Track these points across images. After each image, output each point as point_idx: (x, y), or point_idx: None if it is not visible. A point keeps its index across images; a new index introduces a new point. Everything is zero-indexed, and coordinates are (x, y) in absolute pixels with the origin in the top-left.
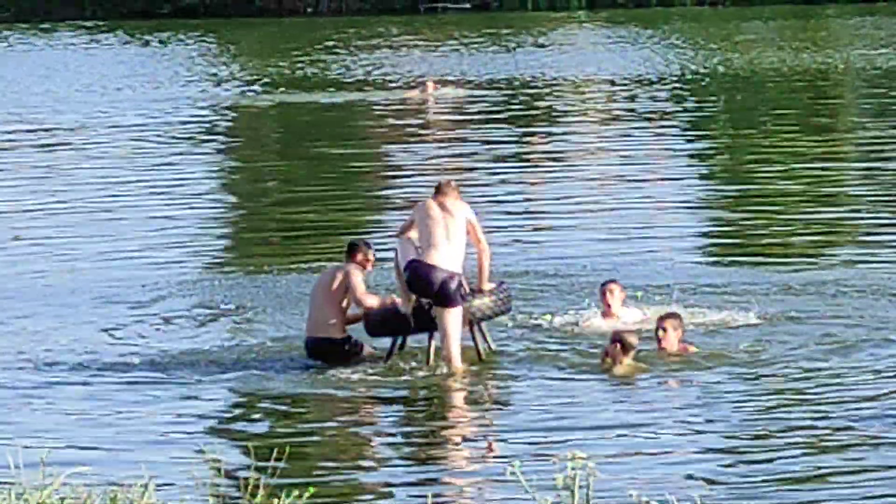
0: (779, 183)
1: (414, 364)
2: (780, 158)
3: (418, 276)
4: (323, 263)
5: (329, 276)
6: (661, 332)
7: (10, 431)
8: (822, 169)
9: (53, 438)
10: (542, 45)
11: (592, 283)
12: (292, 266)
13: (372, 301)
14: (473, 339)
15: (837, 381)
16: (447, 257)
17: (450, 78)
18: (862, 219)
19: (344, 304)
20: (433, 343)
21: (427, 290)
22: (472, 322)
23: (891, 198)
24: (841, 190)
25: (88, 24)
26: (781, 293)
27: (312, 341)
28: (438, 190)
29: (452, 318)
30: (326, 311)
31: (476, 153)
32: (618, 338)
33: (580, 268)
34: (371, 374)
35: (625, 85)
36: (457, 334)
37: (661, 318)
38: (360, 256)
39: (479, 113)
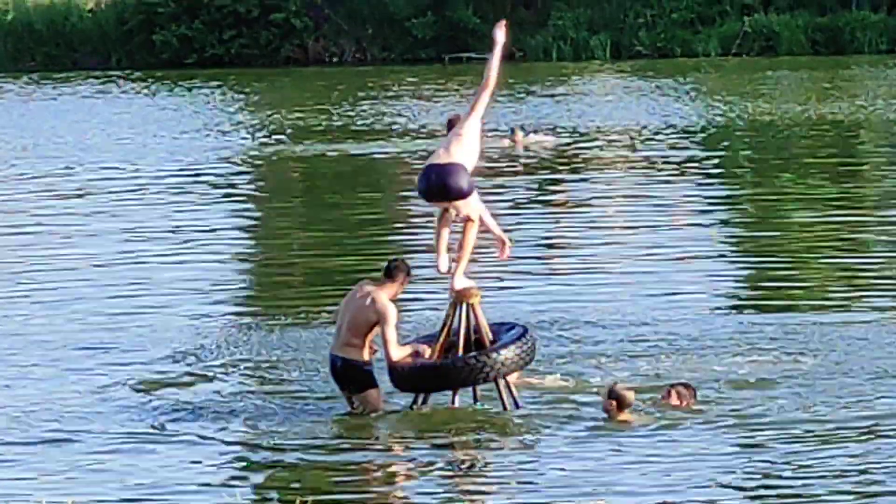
0: (802, 230)
1: (438, 413)
2: (805, 205)
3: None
4: None
5: (362, 301)
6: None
7: (34, 481)
8: (846, 216)
9: (77, 489)
10: (566, 94)
11: (614, 335)
12: (316, 313)
13: (401, 354)
14: (499, 393)
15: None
16: (448, 153)
17: (533, 127)
18: (884, 265)
19: (370, 333)
20: (457, 397)
21: (433, 191)
22: (496, 377)
23: None
24: (863, 237)
25: (114, 73)
26: (802, 341)
27: (334, 358)
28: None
29: (471, 209)
30: (351, 333)
31: (504, 199)
32: (614, 394)
33: (604, 317)
34: (395, 424)
35: (649, 133)
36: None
37: (672, 386)
38: (399, 280)
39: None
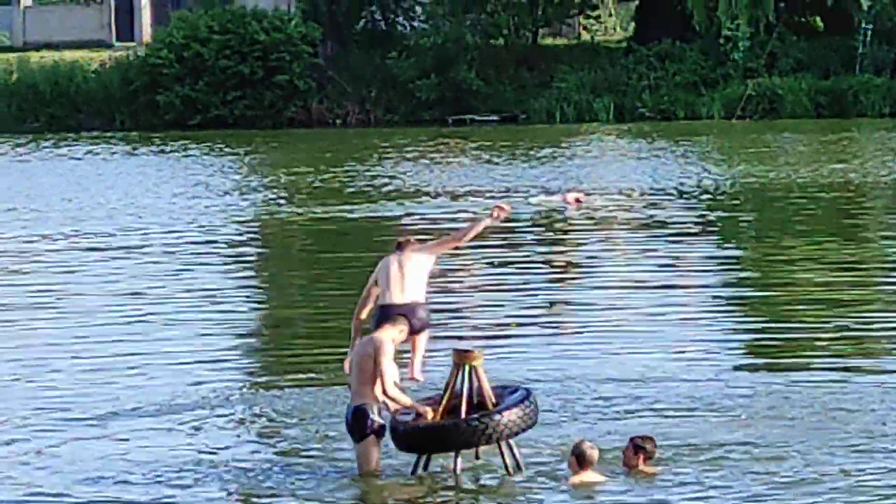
0: (805, 290)
1: (438, 478)
2: (808, 266)
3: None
4: None
5: (362, 345)
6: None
7: None
8: (849, 277)
9: None
10: (572, 157)
11: (616, 396)
12: (319, 374)
13: (397, 391)
14: (501, 454)
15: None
16: (406, 292)
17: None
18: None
19: (372, 372)
20: (459, 461)
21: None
22: (499, 439)
23: None
24: (867, 298)
25: (119, 134)
26: (799, 403)
27: (348, 410)
28: (399, 247)
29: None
30: (359, 380)
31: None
32: (577, 451)
33: (608, 381)
34: (398, 486)
35: (653, 196)
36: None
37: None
38: (401, 326)
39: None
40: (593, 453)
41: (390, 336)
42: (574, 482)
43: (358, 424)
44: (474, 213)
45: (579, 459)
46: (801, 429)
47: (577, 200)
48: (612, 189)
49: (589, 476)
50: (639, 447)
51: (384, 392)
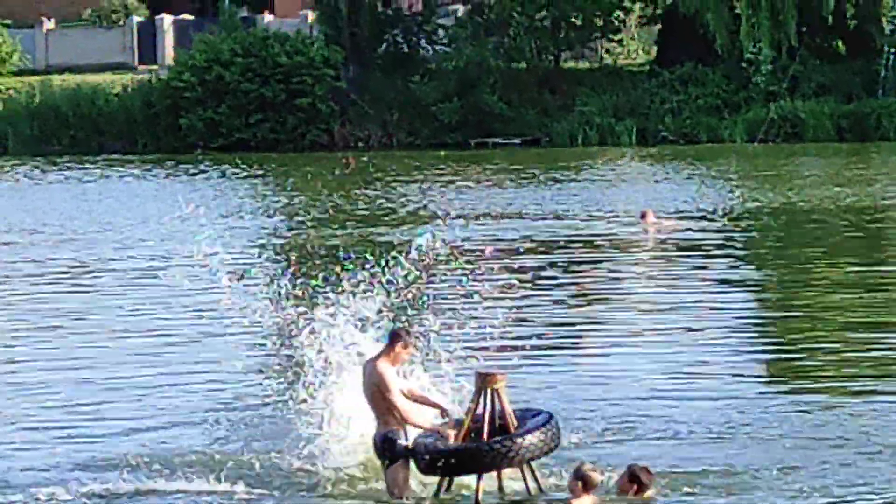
0: (828, 312)
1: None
2: (831, 289)
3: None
4: None
5: (366, 378)
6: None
7: None
8: (872, 300)
9: None
10: (594, 179)
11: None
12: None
13: (414, 414)
14: (523, 477)
15: None
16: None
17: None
18: None
19: (382, 400)
20: (481, 483)
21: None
22: (521, 462)
23: None
24: (891, 318)
25: (141, 156)
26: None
27: (375, 437)
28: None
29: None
30: (376, 411)
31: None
32: (580, 474)
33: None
34: None
35: (677, 217)
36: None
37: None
38: (395, 346)
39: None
40: (596, 476)
41: (392, 360)
42: (582, 501)
43: (386, 450)
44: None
45: (584, 483)
46: (820, 451)
47: (644, 218)
48: (633, 210)
49: (591, 501)
50: (634, 476)
51: (405, 420)
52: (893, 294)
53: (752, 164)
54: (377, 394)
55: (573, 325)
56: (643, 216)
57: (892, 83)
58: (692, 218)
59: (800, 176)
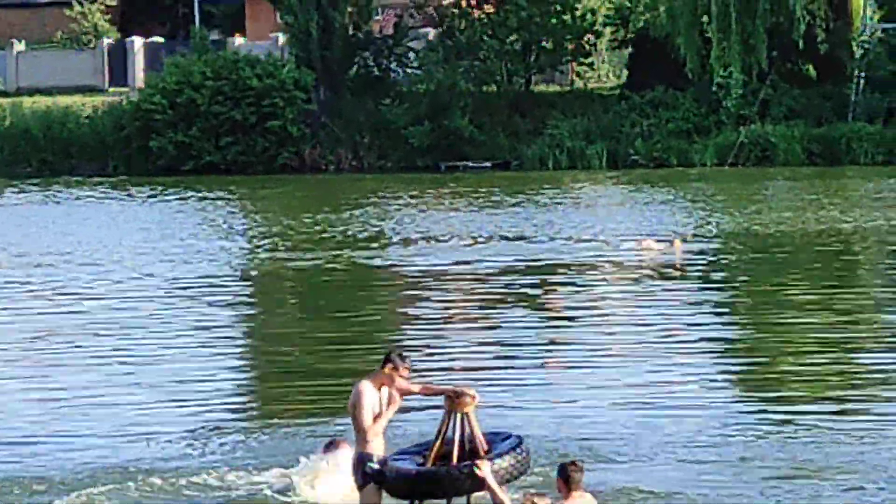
0: (797, 334)
1: None
2: (799, 311)
3: None
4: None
5: (352, 398)
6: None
7: None
8: (839, 321)
9: None
10: (561, 203)
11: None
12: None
13: (369, 420)
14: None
15: None
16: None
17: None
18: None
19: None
20: None
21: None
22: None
23: None
24: (859, 338)
25: (111, 179)
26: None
27: (355, 454)
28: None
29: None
30: (357, 431)
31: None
32: (563, 474)
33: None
34: None
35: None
36: None
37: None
38: (387, 368)
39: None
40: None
41: (380, 382)
42: None
43: (357, 472)
44: (472, 260)
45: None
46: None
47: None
48: (603, 235)
49: (580, 499)
50: (562, 471)
51: (365, 443)
52: (861, 315)
53: (722, 187)
54: (352, 412)
55: (541, 345)
56: (671, 243)
57: (862, 108)
58: (663, 241)
59: (769, 200)
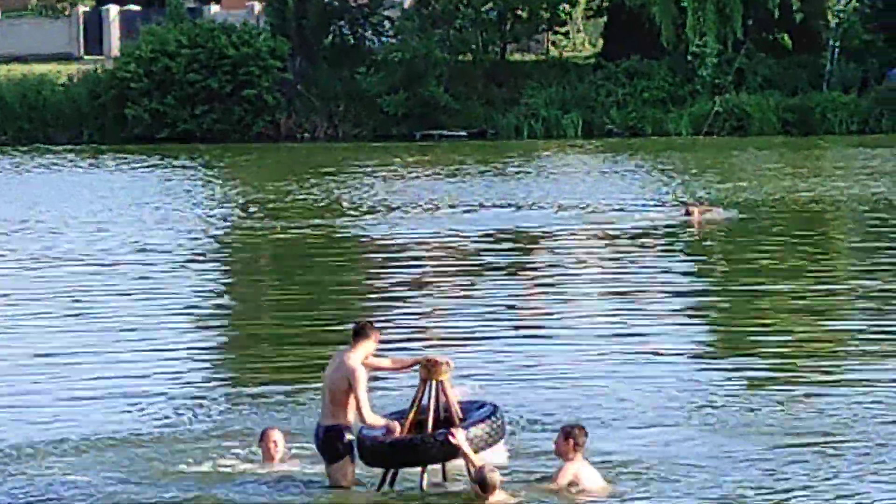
0: (773, 300)
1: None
2: (776, 278)
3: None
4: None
5: (335, 371)
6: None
7: None
8: (815, 288)
9: None
10: (538, 173)
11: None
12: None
13: (373, 417)
14: (468, 470)
15: None
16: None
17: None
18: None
19: (350, 399)
20: (425, 475)
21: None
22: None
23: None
24: (833, 307)
25: (86, 147)
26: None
27: (318, 428)
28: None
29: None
30: (333, 404)
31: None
32: (478, 477)
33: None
34: (364, 501)
35: (622, 211)
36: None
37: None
38: (366, 339)
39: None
40: (493, 476)
41: (363, 355)
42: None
43: (332, 445)
44: (445, 230)
45: (482, 486)
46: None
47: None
48: (579, 204)
49: (501, 498)
50: (569, 434)
51: (362, 420)
52: (836, 283)
53: (697, 157)
54: (343, 388)
55: (518, 313)
56: (688, 212)
57: (837, 77)
58: (638, 210)
59: (744, 169)
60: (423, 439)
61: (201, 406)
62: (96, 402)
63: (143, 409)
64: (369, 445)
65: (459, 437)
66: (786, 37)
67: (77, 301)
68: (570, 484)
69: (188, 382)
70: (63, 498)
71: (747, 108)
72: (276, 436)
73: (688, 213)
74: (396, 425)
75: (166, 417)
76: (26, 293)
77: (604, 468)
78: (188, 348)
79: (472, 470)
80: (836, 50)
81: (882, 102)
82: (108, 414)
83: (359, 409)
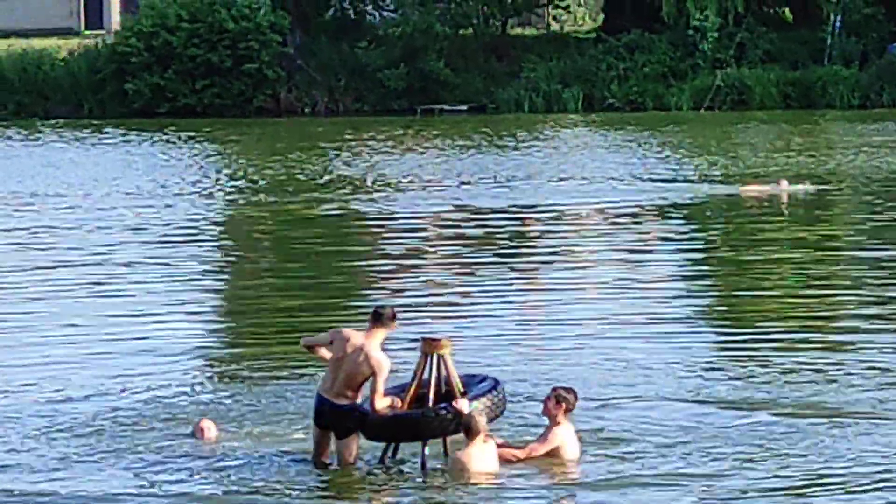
0: (772, 270)
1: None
2: (777, 249)
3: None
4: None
5: (355, 356)
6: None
7: None
8: (817, 258)
9: None
10: (538, 146)
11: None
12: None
13: (384, 405)
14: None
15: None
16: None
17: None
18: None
19: (364, 384)
20: (426, 449)
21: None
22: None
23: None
24: (834, 275)
25: (87, 121)
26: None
27: (323, 400)
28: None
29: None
30: (346, 387)
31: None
32: (464, 423)
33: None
34: (365, 475)
35: (623, 187)
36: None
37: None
38: (388, 326)
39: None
40: (480, 422)
41: (381, 340)
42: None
43: (343, 423)
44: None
45: (468, 431)
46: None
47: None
48: (579, 178)
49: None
50: (561, 398)
51: (373, 408)
52: (839, 255)
53: (698, 131)
54: (364, 374)
55: (518, 290)
56: (776, 182)
57: (838, 51)
58: (631, 185)
59: (746, 143)
60: (423, 413)
61: (200, 385)
62: (81, 378)
63: (135, 388)
64: (370, 420)
65: (463, 405)
66: (787, 11)
67: (74, 275)
68: (552, 452)
69: (183, 356)
70: (66, 480)
71: (748, 82)
72: (206, 424)
73: (778, 187)
74: (398, 400)
75: (165, 398)
76: (27, 265)
77: (606, 443)
78: (187, 322)
79: (462, 419)
80: (837, 24)
81: (883, 76)
82: (101, 394)
83: (373, 397)
